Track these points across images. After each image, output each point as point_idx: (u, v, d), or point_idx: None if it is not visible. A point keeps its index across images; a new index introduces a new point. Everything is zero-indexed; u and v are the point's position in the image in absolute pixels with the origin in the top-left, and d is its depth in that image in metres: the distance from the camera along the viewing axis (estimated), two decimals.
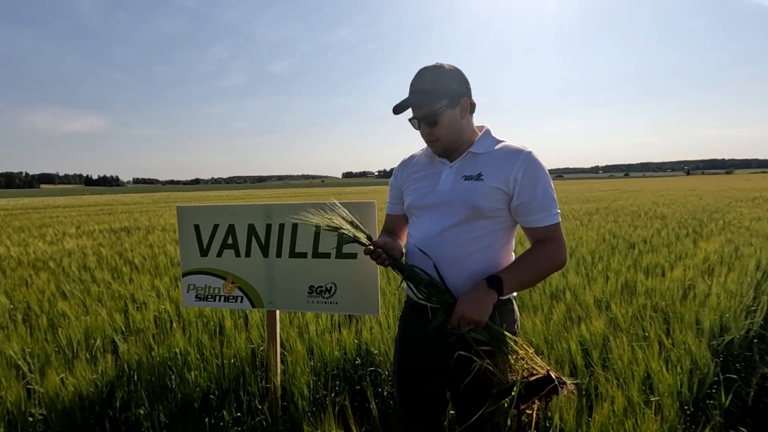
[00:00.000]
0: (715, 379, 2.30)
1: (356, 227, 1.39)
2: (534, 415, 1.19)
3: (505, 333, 1.22)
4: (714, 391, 2.27)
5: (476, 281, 1.27)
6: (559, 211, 1.30)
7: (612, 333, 2.64)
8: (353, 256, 2.03)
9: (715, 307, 2.98)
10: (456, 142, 1.35)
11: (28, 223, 12.30)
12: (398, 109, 1.31)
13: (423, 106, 1.29)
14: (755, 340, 2.97)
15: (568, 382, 1.15)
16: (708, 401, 2.22)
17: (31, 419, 2.01)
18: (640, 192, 24.62)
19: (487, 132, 1.38)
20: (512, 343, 1.20)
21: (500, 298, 1.23)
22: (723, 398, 2.22)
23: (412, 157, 1.51)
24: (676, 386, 2.04)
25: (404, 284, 1.43)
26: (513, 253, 1.41)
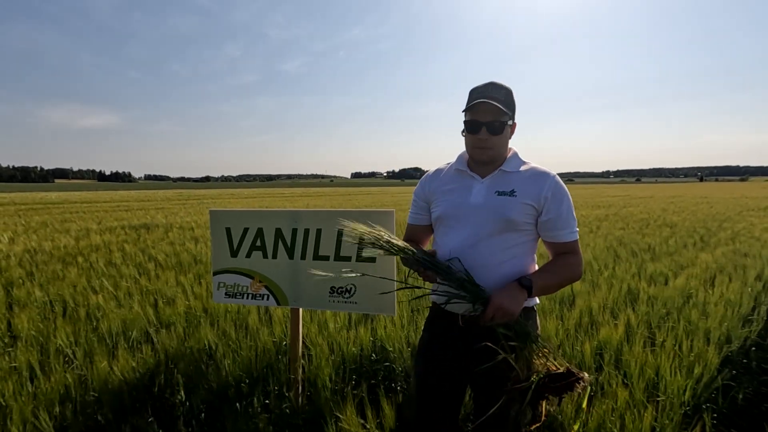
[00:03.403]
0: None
1: (394, 245, 1.37)
2: (544, 409, 1.29)
3: (531, 331, 1.33)
4: (714, 395, 2.45)
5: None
6: (577, 229, 1.46)
7: (624, 338, 2.83)
8: (372, 260, 2.22)
9: (714, 316, 3.12)
10: (500, 156, 1.47)
11: (49, 218, 12.65)
12: (483, 101, 1.36)
13: (496, 113, 1.39)
14: (752, 348, 3.11)
15: (585, 376, 1.24)
16: (707, 404, 2.39)
17: (82, 401, 2.22)
18: (650, 198, 24.46)
19: (515, 153, 1.51)
20: (537, 341, 1.31)
21: (524, 306, 1.35)
22: (720, 401, 2.41)
23: (439, 170, 1.60)
24: (683, 388, 2.25)
25: (430, 290, 1.52)
26: (536, 265, 1.51)
